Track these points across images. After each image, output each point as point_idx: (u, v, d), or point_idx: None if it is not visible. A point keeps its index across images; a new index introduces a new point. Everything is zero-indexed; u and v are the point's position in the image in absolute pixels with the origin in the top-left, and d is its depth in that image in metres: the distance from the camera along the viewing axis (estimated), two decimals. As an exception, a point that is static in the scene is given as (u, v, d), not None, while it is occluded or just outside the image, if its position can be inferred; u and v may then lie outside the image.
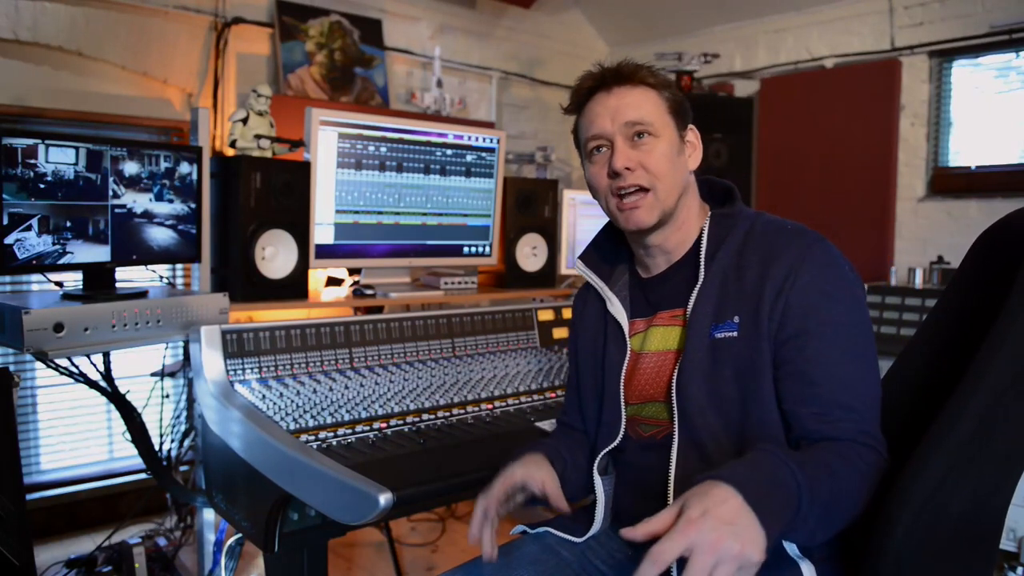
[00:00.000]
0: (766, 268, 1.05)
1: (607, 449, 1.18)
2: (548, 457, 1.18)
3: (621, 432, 1.17)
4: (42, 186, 1.56)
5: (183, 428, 2.14)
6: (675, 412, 1.08)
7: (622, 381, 1.17)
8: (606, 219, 1.23)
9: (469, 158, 2.58)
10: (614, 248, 1.28)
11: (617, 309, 1.21)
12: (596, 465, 1.19)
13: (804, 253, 1.03)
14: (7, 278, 2.46)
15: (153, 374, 2.14)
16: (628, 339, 1.18)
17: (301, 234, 2.21)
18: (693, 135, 1.19)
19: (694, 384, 1.06)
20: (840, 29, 3.43)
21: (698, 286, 1.10)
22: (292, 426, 1.44)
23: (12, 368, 1.77)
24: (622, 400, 1.17)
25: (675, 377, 1.08)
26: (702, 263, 1.11)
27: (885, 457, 0.98)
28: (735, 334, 1.05)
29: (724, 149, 3.51)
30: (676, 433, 1.08)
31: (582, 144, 1.18)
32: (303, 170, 2.21)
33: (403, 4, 3.48)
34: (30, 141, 1.53)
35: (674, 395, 1.08)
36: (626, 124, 1.11)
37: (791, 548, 1.01)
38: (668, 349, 1.14)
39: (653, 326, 1.17)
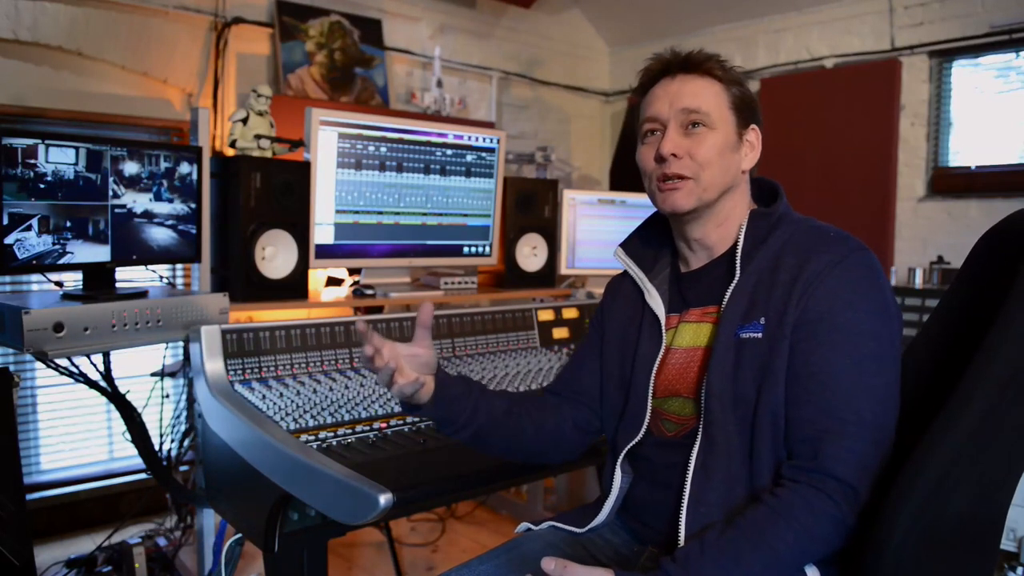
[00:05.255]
0: (799, 271, 1.03)
1: (629, 445, 1.17)
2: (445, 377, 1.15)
3: (644, 427, 1.16)
4: (42, 186, 1.56)
5: (183, 428, 2.13)
6: (703, 409, 1.07)
7: (653, 376, 1.16)
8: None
9: (469, 158, 2.57)
10: (657, 240, 1.26)
11: (656, 302, 1.19)
12: (619, 463, 1.19)
13: (839, 259, 1.02)
14: (7, 278, 2.46)
15: (153, 374, 2.13)
16: (664, 333, 1.17)
17: (301, 234, 2.21)
18: (754, 135, 1.15)
19: (720, 383, 1.05)
20: (840, 29, 3.43)
21: (733, 285, 1.09)
22: (292, 426, 1.44)
23: (12, 368, 1.77)
24: (650, 396, 1.16)
25: (707, 375, 1.07)
26: (738, 261, 1.10)
27: (847, 501, 0.94)
28: (759, 335, 1.04)
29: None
30: (701, 430, 1.07)
31: (639, 125, 1.16)
32: (303, 170, 2.21)
33: (403, 4, 3.48)
34: (30, 141, 1.53)
35: (703, 393, 1.07)
36: (682, 110, 1.09)
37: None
38: (698, 345, 1.13)
39: (685, 322, 1.17)
